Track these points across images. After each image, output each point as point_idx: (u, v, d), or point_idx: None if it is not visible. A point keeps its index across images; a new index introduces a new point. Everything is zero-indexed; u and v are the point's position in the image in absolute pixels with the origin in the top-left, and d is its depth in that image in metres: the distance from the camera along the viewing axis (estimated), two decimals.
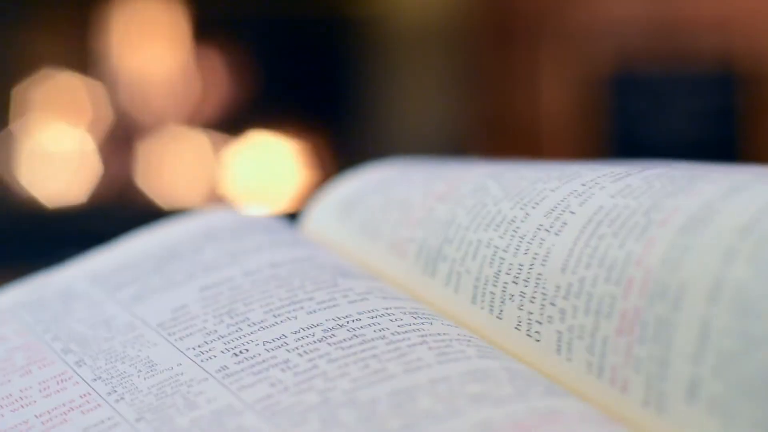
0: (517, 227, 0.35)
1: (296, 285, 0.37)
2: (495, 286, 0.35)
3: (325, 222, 0.44)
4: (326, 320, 0.34)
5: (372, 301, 0.36)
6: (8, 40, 1.71)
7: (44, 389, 0.34)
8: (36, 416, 0.33)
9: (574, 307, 0.32)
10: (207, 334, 0.35)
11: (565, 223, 0.34)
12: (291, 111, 1.81)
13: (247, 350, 0.33)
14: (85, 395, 0.34)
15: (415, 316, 0.35)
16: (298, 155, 1.77)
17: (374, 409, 0.29)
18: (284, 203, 1.70)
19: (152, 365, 0.34)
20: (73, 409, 0.33)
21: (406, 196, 0.41)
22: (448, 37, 1.77)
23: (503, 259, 0.35)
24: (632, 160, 0.38)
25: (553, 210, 0.35)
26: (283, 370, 0.32)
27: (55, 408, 0.33)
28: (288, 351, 0.33)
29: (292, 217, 0.47)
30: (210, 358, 0.33)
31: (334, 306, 0.35)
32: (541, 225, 0.35)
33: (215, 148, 1.75)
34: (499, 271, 0.35)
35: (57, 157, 1.71)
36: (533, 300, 0.33)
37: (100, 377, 0.34)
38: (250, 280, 0.38)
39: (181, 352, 0.34)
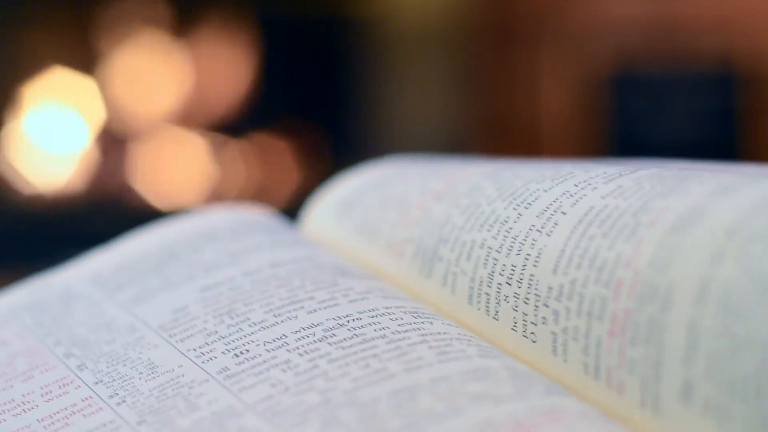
0: (510, 228, 0.35)
1: (296, 285, 0.37)
2: (490, 287, 0.35)
3: (325, 222, 0.44)
4: (327, 320, 0.34)
5: (372, 300, 0.36)
6: (8, 40, 1.71)
7: (46, 393, 0.34)
8: (38, 420, 0.33)
9: (566, 308, 0.32)
10: (208, 335, 0.35)
11: (556, 224, 0.34)
12: (290, 111, 1.81)
13: (247, 351, 0.33)
14: (86, 399, 0.34)
15: (415, 315, 0.35)
16: (298, 155, 1.77)
17: (375, 409, 0.30)
18: (284, 203, 1.70)
19: (153, 367, 0.34)
20: (75, 413, 0.33)
21: (404, 194, 0.41)
22: (448, 37, 1.77)
23: (497, 259, 0.35)
24: (630, 159, 0.38)
25: (545, 210, 0.34)
26: (283, 370, 0.32)
27: (57, 412, 0.33)
28: (288, 351, 0.33)
29: (292, 216, 0.47)
30: (211, 359, 0.34)
31: (334, 305, 0.35)
32: (533, 225, 0.34)
33: (215, 148, 1.75)
34: (493, 271, 0.35)
35: (57, 157, 1.71)
36: (527, 301, 0.33)
37: (101, 380, 0.34)
38: (251, 280, 0.38)
39: (182, 353, 0.34)
